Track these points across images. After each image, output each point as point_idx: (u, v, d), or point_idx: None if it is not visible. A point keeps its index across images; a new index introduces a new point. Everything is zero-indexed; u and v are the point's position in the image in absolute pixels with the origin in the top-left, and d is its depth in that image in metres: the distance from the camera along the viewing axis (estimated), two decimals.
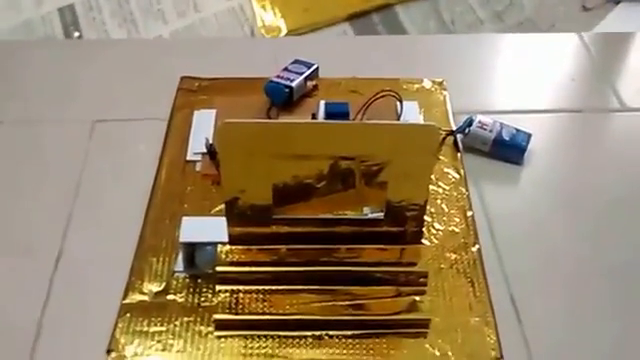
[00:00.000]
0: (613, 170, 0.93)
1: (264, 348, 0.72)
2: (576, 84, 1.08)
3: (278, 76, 0.98)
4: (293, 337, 0.73)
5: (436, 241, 0.82)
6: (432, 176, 0.88)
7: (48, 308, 0.76)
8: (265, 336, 0.73)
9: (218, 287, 0.75)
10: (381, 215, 0.74)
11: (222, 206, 0.75)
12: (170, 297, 0.76)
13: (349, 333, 0.73)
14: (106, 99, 1.02)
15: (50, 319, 0.75)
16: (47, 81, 1.05)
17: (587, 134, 1.00)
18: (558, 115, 1.02)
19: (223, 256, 0.75)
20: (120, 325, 0.74)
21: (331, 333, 0.73)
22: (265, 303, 0.74)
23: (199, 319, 0.74)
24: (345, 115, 0.91)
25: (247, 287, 0.75)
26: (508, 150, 0.93)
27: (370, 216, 0.76)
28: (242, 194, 0.72)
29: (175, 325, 0.74)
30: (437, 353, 0.72)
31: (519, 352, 0.73)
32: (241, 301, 0.74)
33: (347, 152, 0.71)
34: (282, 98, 0.97)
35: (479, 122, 0.93)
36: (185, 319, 0.75)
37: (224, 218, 0.74)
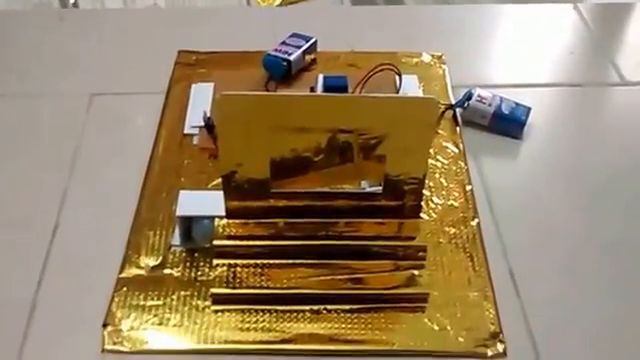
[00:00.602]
0: (612, 144, 0.92)
1: (261, 322, 0.72)
2: (575, 57, 1.07)
3: (276, 49, 0.98)
4: (291, 311, 0.73)
5: (435, 215, 0.82)
6: (431, 150, 0.88)
7: (44, 282, 0.76)
8: (262, 310, 0.73)
9: (215, 261, 0.75)
10: (379, 189, 0.74)
11: (219, 180, 0.74)
12: (167, 271, 0.76)
13: (347, 307, 0.73)
14: (103, 72, 1.02)
15: (46, 293, 0.75)
16: (43, 54, 1.05)
17: (586, 108, 0.99)
18: (557, 89, 1.01)
19: (220, 230, 0.75)
20: (116, 299, 0.74)
21: (329, 307, 0.73)
22: (262, 277, 0.74)
23: (196, 293, 0.74)
24: (344, 89, 0.91)
25: (244, 261, 0.74)
26: (507, 124, 0.92)
27: (368, 190, 0.75)
28: (239, 167, 0.72)
29: (172, 299, 0.74)
30: (436, 327, 0.72)
31: (518, 326, 0.72)
32: (238, 275, 0.74)
33: (345, 125, 0.70)
34: (280, 72, 0.96)
35: (478, 96, 0.92)
36: (182, 293, 0.74)
37: (221, 192, 0.74)
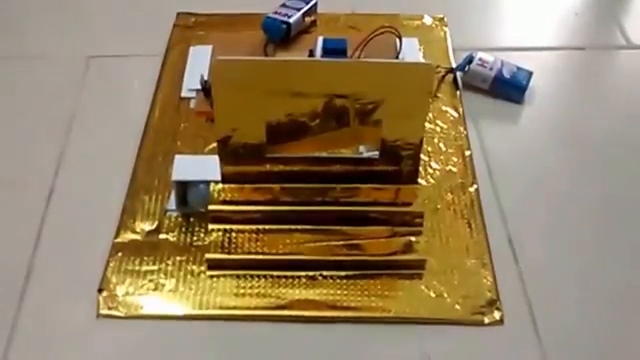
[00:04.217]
0: (616, 109, 0.91)
1: (257, 288, 0.72)
2: (579, 19, 1.06)
3: (276, 12, 0.96)
4: (286, 277, 0.72)
5: (433, 181, 0.81)
6: (430, 114, 0.87)
7: (39, 246, 0.75)
8: (258, 276, 0.72)
9: (210, 226, 0.74)
10: (376, 154, 0.73)
11: (216, 144, 0.73)
12: (162, 236, 0.76)
13: (343, 274, 0.72)
14: (101, 34, 1.01)
15: (41, 258, 0.74)
16: (41, 15, 1.04)
17: (590, 72, 0.98)
18: (560, 52, 1.00)
19: (216, 195, 0.74)
20: (111, 264, 0.74)
21: (325, 273, 0.72)
22: (258, 243, 0.73)
23: (191, 258, 0.74)
24: (343, 51, 0.89)
25: (240, 226, 0.74)
26: (508, 88, 0.91)
27: (365, 155, 0.74)
28: (235, 132, 0.71)
29: (167, 264, 0.73)
30: (432, 294, 0.71)
31: (516, 293, 0.72)
32: (234, 240, 0.73)
33: (341, 90, 0.69)
34: (279, 34, 0.95)
35: (479, 59, 0.91)
36: (177, 258, 0.74)
37: (217, 156, 0.73)
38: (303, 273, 0.72)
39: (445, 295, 0.71)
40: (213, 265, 0.73)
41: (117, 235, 0.76)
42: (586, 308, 0.71)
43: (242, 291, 0.71)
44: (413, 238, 0.74)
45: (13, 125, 0.88)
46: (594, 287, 0.73)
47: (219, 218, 0.74)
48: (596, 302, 0.72)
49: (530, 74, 0.91)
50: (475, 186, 0.81)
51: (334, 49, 0.90)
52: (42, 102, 0.91)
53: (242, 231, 0.74)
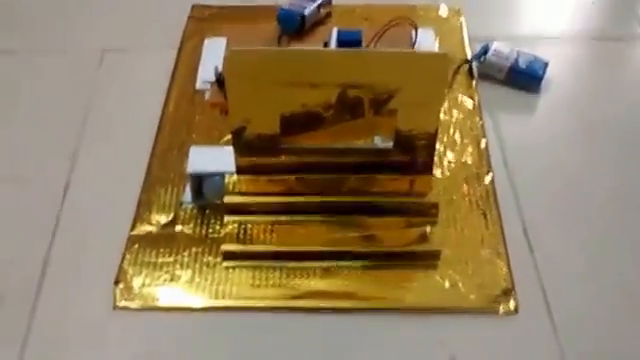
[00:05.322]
0: (632, 99, 0.90)
1: (272, 279, 0.72)
2: (596, 8, 1.05)
3: (291, 3, 0.96)
4: (301, 268, 0.72)
5: (448, 172, 0.81)
6: (445, 105, 0.87)
7: (56, 239, 0.76)
8: (273, 267, 0.72)
9: (226, 218, 0.75)
10: (391, 144, 0.72)
11: (231, 136, 0.73)
12: (178, 228, 0.76)
13: (358, 264, 0.72)
14: (115, 27, 1.01)
15: (58, 250, 0.75)
16: (55, 9, 1.04)
17: (606, 61, 0.97)
18: (576, 42, 0.99)
19: (231, 186, 0.74)
20: (128, 256, 0.74)
21: (340, 264, 0.73)
22: (273, 234, 0.73)
23: (207, 250, 0.74)
24: (358, 43, 0.89)
25: (255, 218, 0.74)
26: (524, 78, 0.90)
27: (380, 146, 0.74)
28: (249, 123, 0.71)
29: (183, 256, 0.74)
30: (447, 284, 0.71)
31: (531, 283, 0.72)
32: (249, 232, 0.73)
33: (356, 80, 0.69)
34: (294, 26, 0.95)
35: (495, 50, 0.91)
36: (193, 250, 0.74)
37: (232, 148, 0.73)
38: (318, 264, 0.72)
39: (460, 285, 0.71)
40: (229, 256, 0.73)
41: (133, 227, 0.76)
42: (601, 297, 0.71)
43: (257, 282, 0.72)
44: (428, 228, 0.74)
45: (28, 119, 0.88)
46: (610, 276, 0.73)
47: (234, 209, 0.74)
48: (611, 291, 0.71)
49: (546, 64, 0.90)
50: (491, 176, 0.80)
51: (349, 41, 0.90)
52: (57, 95, 0.91)
53: (257, 222, 0.74)
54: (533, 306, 0.70)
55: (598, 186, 0.80)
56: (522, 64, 0.90)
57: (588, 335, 0.68)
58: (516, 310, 0.70)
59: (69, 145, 0.84)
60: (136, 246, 0.75)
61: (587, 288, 0.72)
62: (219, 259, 0.73)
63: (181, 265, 0.73)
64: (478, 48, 0.93)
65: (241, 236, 0.73)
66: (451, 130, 0.85)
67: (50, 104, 0.90)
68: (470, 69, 0.93)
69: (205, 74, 0.90)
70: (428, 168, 0.74)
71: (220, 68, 0.87)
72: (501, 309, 0.70)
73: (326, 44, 0.91)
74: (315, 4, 0.96)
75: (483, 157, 0.82)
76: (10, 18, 1.04)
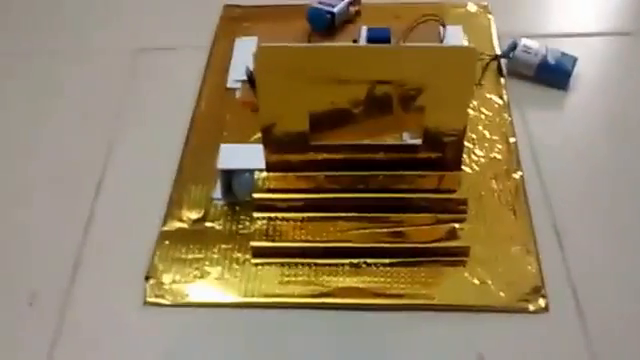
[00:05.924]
0: None
1: (301, 276, 0.72)
2: (626, 4, 1.04)
3: (320, 2, 0.97)
4: (330, 265, 0.73)
5: (477, 168, 0.81)
6: (474, 102, 0.87)
7: (89, 235, 0.77)
8: (302, 264, 0.73)
9: (255, 214, 0.75)
10: (419, 141, 0.72)
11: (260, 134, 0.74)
12: (208, 224, 0.77)
13: (387, 261, 0.73)
14: (148, 27, 1.02)
15: (90, 246, 0.76)
16: (88, 9, 1.06)
17: (636, 58, 0.96)
18: (606, 38, 0.98)
19: (260, 183, 0.75)
20: (158, 252, 0.75)
21: (369, 261, 0.73)
22: (302, 230, 0.74)
23: (237, 246, 0.75)
24: (387, 41, 0.90)
25: (284, 214, 0.75)
26: (553, 75, 0.90)
27: (408, 142, 0.74)
28: (278, 120, 0.71)
29: (213, 252, 0.74)
30: (476, 282, 0.71)
31: (560, 281, 0.71)
32: (278, 228, 0.74)
33: (384, 76, 0.69)
34: (324, 24, 0.95)
35: (523, 46, 0.90)
36: (223, 246, 0.75)
37: (262, 145, 0.74)
38: (347, 261, 0.73)
39: (489, 282, 0.71)
40: (258, 253, 0.73)
41: (164, 224, 0.77)
42: (632, 295, 0.70)
43: (286, 279, 0.72)
44: (457, 225, 0.74)
45: (63, 118, 0.89)
46: (639, 274, 0.72)
47: (264, 206, 0.75)
48: None
49: (575, 60, 0.90)
50: (520, 173, 0.80)
51: (378, 38, 0.90)
52: (91, 95, 0.92)
53: (286, 219, 0.74)
54: (563, 304, 0.70)
55: (628, 181, 0.80)
56: (551, 60, 0.89)
57: (619, 334, 0.68)
58: (546, 308, 0.69)
59: (102, 142, 0.86)
60: (167, 242, 0.75)
61: (618, 286, 0.71)
62: (248, 256, 0.74)
63: (211, 261, 0.74)
64: (507, 45, 0.92)
65: (270, 233, 0.74)
66: (480, 127, 0.85)
67: (84, 103, 0.91)
68: (499, 66, 0.92)
69: (236, 73, 0.91)
70: (457, 164, 0.74)
71: (251, 67, 0.87)
72: (531, 307, 0.69)
73: (355, 42, 0.91)
74: (344, 2, 0.97)
75: (512, 153, 0.82)
76: (53, 20, 1.06)
